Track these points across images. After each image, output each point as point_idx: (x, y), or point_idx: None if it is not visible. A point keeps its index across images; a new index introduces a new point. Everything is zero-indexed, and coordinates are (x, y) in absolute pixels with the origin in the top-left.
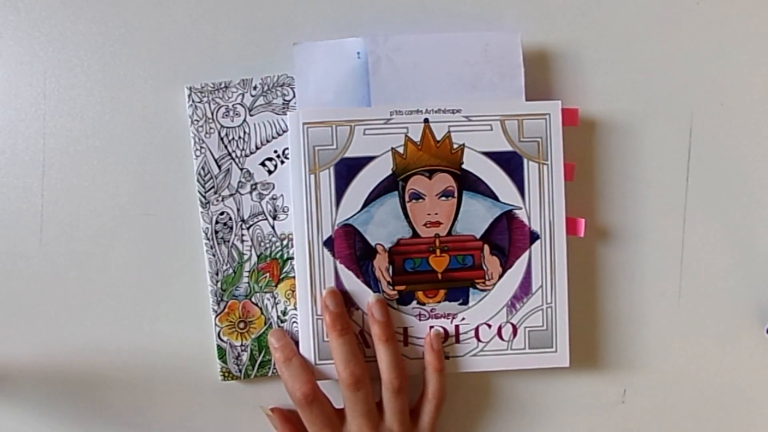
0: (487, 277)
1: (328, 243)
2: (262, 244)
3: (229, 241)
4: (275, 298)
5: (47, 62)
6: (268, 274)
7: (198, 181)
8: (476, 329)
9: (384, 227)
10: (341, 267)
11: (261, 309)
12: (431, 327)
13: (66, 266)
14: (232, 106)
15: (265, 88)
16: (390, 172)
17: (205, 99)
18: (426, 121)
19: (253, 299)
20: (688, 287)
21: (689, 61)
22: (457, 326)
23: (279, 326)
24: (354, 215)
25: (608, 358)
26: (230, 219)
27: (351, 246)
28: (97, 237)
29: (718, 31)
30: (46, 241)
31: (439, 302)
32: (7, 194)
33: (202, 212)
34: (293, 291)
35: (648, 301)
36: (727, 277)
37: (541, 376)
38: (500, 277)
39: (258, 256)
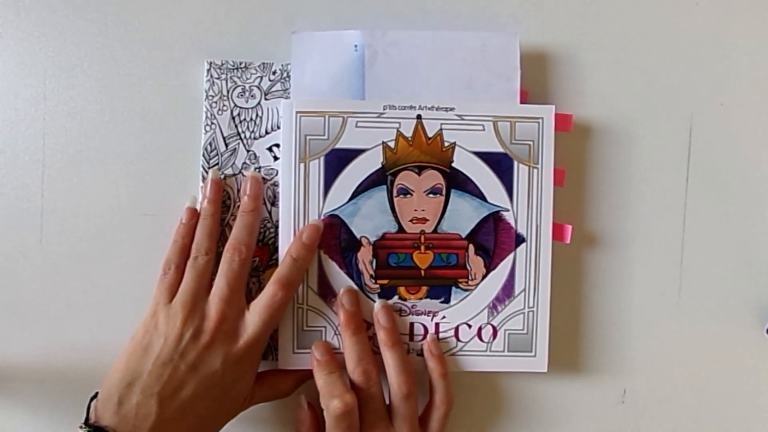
0: (470, 277)
1: None
2: None
3: (224, 220)
4: (261, 284)
5: (47, 62)
6: (257, 259)
7: (203, 155)
8: (456, 328)
9: (370, 220)
10: (325, 257)
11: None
12: (412, 324)
13: (66, 266)
14: (249, 87)
15: (284, 74)
16: (380, 165)
17: (223, 76)
18: (419, 117)
19: None
20: (688, 287)
21: (689, 61)
22: (437, 324)
23: None
24: (341, 206)
25: (605, 359)
26: (229, 198)
27: (336, 237)
28: (97, 237)
29: (718, 31)
30: (46, 241)
31: (421, 299)
32: (7, 194)
33: (201, 187)
34: None
35: (646, 302)
36: (727, 277)
37: (542, 378)
38: (483, 277)
39: None
